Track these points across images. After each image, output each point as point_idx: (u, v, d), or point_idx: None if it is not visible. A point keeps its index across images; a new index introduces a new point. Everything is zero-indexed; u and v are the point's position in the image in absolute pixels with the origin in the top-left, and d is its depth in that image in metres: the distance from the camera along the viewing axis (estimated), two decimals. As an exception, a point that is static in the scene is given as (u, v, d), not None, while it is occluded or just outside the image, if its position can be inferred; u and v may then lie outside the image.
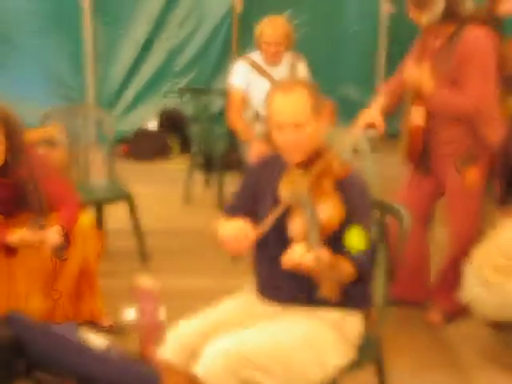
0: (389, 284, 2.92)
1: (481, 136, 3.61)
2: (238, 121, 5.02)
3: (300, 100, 2.54)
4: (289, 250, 2.38)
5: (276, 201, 2.57)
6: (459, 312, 3.91)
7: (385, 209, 2.93)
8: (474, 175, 3.67)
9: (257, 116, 5.02)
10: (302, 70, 5.01)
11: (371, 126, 3.73)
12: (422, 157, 3.76)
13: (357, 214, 2.50)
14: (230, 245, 2.53)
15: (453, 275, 3.80)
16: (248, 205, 2.76)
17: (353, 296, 2.59)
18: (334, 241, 2.45)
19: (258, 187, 2.72)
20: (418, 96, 3.58)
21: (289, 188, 2.53)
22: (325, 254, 2.30)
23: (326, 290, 2.23)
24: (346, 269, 2.45)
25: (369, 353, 2.78)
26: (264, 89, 4.80)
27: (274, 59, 4.85)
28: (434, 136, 3.67)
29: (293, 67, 4.95)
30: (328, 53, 7.38)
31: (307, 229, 2.35)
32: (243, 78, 4.93)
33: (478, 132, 3.61)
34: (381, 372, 2.92)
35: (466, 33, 3.51)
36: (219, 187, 5.72)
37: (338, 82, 7.53)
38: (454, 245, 3.83)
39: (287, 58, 4.96)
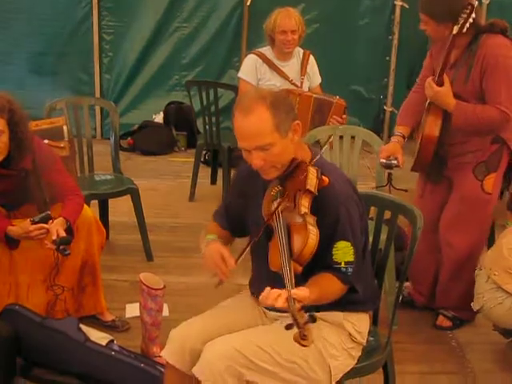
0: (401, 284, 2.85)
1: (502, 143, 3.54)
2: None
3: (261, 121, 2.34)
4: (264, 292, 2.22)
5: (260, 217, 2.46)
6: (468, 318, 3.85)
7: (397, 209, 2.86)
8: (493, 182, 3.59)
9: None
10: (313, 64, 4.96)
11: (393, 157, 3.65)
12: (434, 166, 3.67)
13: (339, 226, 2.39)
14: (210, 270, 2.46)
15: (461, 281, 3.74)
16: (236, 213, 2.68)
17: (355, 298, 2.51)
18: (318, 258, 2.35)
19: (247, 196, 2.62)
20: (437, 108, 3.48)
21: (267, 211, 2.41)
22: (299, 293, 2.15)
23: (297, 336, 2.07)
24: (331, 291, 2.38)
25: (377, 354, 2.71)
26: (275, 84, 4.77)
27: (288, 49, 4.77)
28: (452, 148, 3.58)
29: (304, 62, 4.89)
30: (339, 49, 7.31)
31: (281, 264, 2.23)
32: (253, 72, 4.86)
33: (500, 139, 3.53)
34: (389, 375, 2.84)
35: (484, 40, 3.39)
36: (225, 182, 5.65)
37: (349, 78, 7.46)
38: (460, 250, 3.72)
39: (298, 53, 4.90)
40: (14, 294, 3.52)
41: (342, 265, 2.38)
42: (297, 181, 2.37)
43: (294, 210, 2.36)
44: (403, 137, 3.73)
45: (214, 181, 6.19)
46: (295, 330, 2.07)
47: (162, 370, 3.07)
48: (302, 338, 2.06)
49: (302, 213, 2.33)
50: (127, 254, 4.71)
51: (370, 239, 2.88)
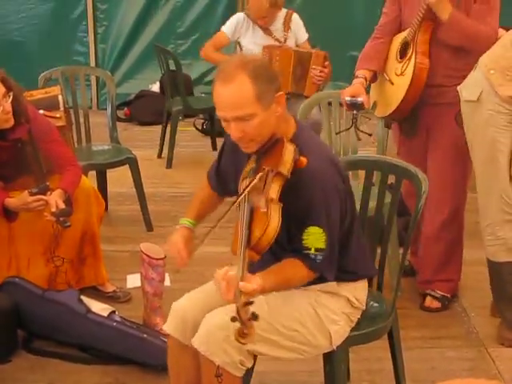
0: (405, 250, 2.81)
1: None
2: (213, 53, 5.17)
3: (241, 90, 2.21)
4: (221, 271, 2.17)
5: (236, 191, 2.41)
6: (451, 292, 3.73)
7: (401, 174, 2.81)
8: None
9: None
10: (296, 22, 5.09)
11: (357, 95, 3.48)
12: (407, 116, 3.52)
13: (312, 211, 2.29)
14: (172, 258, 2.50)
15: (449, 233, 3.61)
16: (225, 175, 2.63)
17: (347, 269, 2.46)
18: (288, 240, 2.31)
19: (235, 162, 2.53)
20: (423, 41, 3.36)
21: (240, 188, 2.33)
22: (247, 286, 2.08)
23: (236, 332, 2.03)
24: (294, 277, 2.33)
25: (382, 321, 2.68)
26: (258, 41, 4.92)
27: (266, 25, 5.02)
28: (432, 89, 3.41)
29: (287, 19, 5.05)
30: (336, 14, 7.23)
31: (239, 250, 2.15)
32: (232, 28, 5.09)
33: None
34: (394, 341, 2.82)
35: None
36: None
37: (347, 44, 7.36)
38: (446, 206, 3.56)
39: (281, 15, 5.05)
40: (14, 266, 3.50)
41: (312, 251, 2.29)
42: (272, 159, 2.27)
43: (261, 192, 2.24)
44: (365, 79, 3.54)
45: (214, 149, 6.11)
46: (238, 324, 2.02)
47: (165, 340, 3.06)
48: (241, 336, 2.01)
49: (269, 198, 2.22)
50: (127, 224, 4.68)
51: (373, 204, 2.86)
